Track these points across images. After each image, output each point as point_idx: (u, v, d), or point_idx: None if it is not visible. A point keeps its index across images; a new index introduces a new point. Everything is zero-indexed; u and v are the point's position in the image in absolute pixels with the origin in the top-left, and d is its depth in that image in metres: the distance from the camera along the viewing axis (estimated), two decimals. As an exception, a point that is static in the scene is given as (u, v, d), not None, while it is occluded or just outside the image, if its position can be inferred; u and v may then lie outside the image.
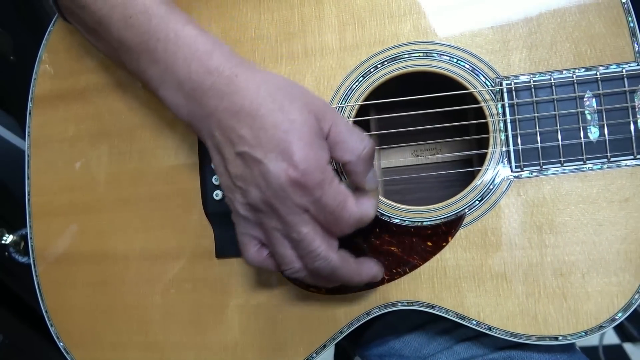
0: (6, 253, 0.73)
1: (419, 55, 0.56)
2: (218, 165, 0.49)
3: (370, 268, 0.52)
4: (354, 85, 0.57)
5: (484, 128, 0.55)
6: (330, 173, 0.45)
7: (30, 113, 0.66)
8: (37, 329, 0.79)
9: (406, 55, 0.56)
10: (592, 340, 0.52)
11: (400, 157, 0.69)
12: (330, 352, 0.57)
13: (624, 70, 0.51)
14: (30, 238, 0.66)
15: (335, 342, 0.56)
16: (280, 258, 0.48)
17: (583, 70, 0.52)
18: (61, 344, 0.64)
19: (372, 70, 0.57)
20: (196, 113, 0.48)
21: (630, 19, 0.52)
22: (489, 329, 0.53)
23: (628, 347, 1.40)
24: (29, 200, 0.66)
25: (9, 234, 0.74)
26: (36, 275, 0.65)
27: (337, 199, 0.45)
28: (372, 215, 0.48)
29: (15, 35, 0.76)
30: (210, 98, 0.47)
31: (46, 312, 0.65)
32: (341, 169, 0.56)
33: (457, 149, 0.67)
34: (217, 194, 0.58)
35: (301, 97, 0.46)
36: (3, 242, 0.73)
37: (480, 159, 0.56)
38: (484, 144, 0.55)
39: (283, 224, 0.46)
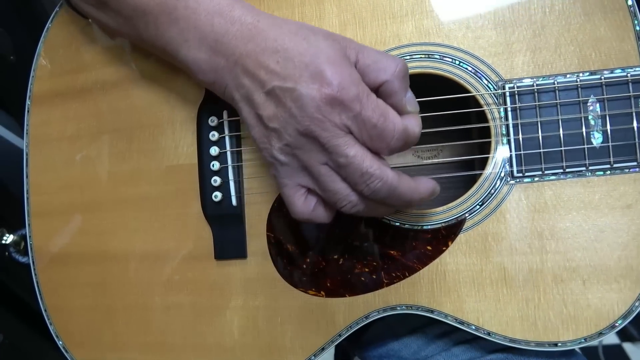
0: (6, 253, 0.73)
1: (421, 57, 0.55)
2: (248, 116, 0.47)
3: (427, 183, 0.47)
4: (355, 87, 0.56)
5: (486, 131, 0.54)
6: (364, 87, 0.43)
7: (28, 111, 0.66)
8: (37, 328, 0.79)
9: (408, 57, 0.55)
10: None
11: (401, 158, 0.68)
12: (330, 352, 0.57)
13: (628, 75, 0.50)
14: (29, 237, 0.66)
15: (334, 344, 0.56)
16: (334, 195, 0.45)
17: (587, 74, 0.51)
18: (60, 342, 0.64)
19: (373, 71, 0.56)
20: (221, 66, 0.48)
21: (636, 22, 0.51)
22: (488, 334, 0.52)
23: (628, 347, 1.40)
24: (27, 199, 0.66)
25: (9, 233, 0.74)
26: (35, 274, 0.65)
27: (378, 111, 0.43)
28: (417, 133, 0.45)
29: (15, 35, 0.76)
30: (235, 46, 0.46)
31: (45, 310, 0.65)
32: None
33: (458, 151, 0.67)
34: (216, 196, 0.58)
35: (323, 31, 0.46)
36: (3, 242, 0.73)
37: (482, 162, 0.55)
38: (485, 146, 0.55)
39: (327, 153, 0.44)
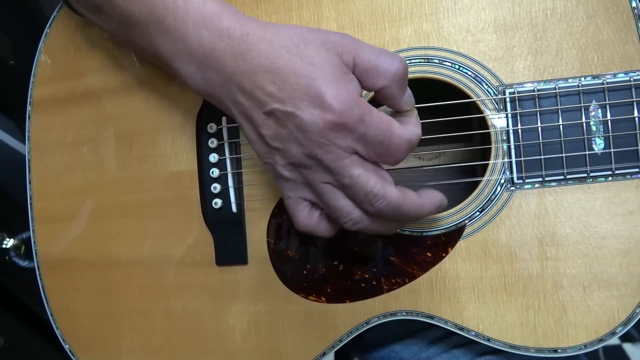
0: (7, 257, 0.73)
1: (420, 62, 0.54)
2: (249, 132, 0.46)
3: (433, 197, 0.47)
4: (354, 92, 0.56)
5: (487, 136, 0.54)
6: (366, 105, 0.43)
7: (29, 117, 0.66)
8: (37, 332, 0.80)
9: (407, 61, 0.54)
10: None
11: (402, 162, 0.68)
12: (330, 354, 0.58)
13: (631, 80, 0.49)
14: (34, 242, 0.66)
15: (335, 350, 0.57)
16: (337, 211, 0.45)
17: (589, 78, 0.50)
18: (67, 346, 0.65)
19: (372, 76, 0.55)
20: (213, 80, 0.47)
21: (640, 24, 0.50)
22: (488, 340, 0.53)
23: (628, 347, 1.39)
24: (31, 204, 0.66)
25: (10, 237, 0.74)
26: (40, 279, 0.66)
27: (382, 128, 0.43)
28: (420, 134, 0.46)
29: (15, 39, 0.75)
30: (225, 62, 0.45)
31: (51, 315, 0.66)
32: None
33: (460, 156, 0.66)
34: (216, 203, 0.58)
35: (316, 39, 0.44)
36: (4, 246, 0.74)
37: (484, 167, 0.55)
38: (487, 152, 0.54)
39: (332, 174, 0.44)
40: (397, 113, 0.47)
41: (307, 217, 0.47)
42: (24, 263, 0.73)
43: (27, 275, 0.65)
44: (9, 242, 0.74)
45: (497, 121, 0.52)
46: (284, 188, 0.47)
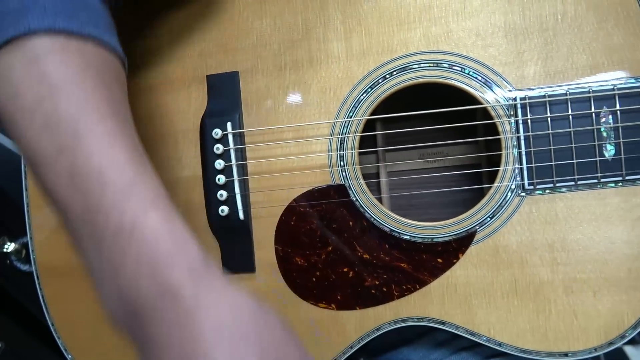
0: (8, 261, 0.72)
1: (429, 66, 0.54)
2: None
3: None
4: (362, 97, 0.55)
5: (496, 140, 0.53)
6: None
7: (24, 122, 0.64)
8: (38, 336, 0.78)
9: (416, 66, 0.54)
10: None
11: (408, 160, 0.67)
12: None
13: (642, 85, 0.49)
14: (32, 251, 0.65)
15: (346, 356, 0.56)
16: None
17: (600, 83, 0.50)
18: (69, 356, 0.64)
19: (380, 80, 0.54)
20: (136, 333, 0.36)
21: (650, 29, 0.50)
22: (499, 345, 0.53)
23: (628, 349, 1.42)
24: (28, 212, 0.65)
25: (10, 241, 0.73)
26: (40, 288, 0.64)
27: None
28: None
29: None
30: (158, 326, 0.35)
31: (52, 324, 0.64)
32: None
33: (466, 159, 0.66)
34: (223, 210, 0.57)
35: (257, 346, 0.35)
36: (4, 250, 0.72)
37: (490, 170, 0.55)
38: (496, 156, 0.54)
39: None
40: None
41: None
42: (24, 267, 0.72)
43: (28, 279, 0.63)
44: (10, 246, 0.72)
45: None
46: None
